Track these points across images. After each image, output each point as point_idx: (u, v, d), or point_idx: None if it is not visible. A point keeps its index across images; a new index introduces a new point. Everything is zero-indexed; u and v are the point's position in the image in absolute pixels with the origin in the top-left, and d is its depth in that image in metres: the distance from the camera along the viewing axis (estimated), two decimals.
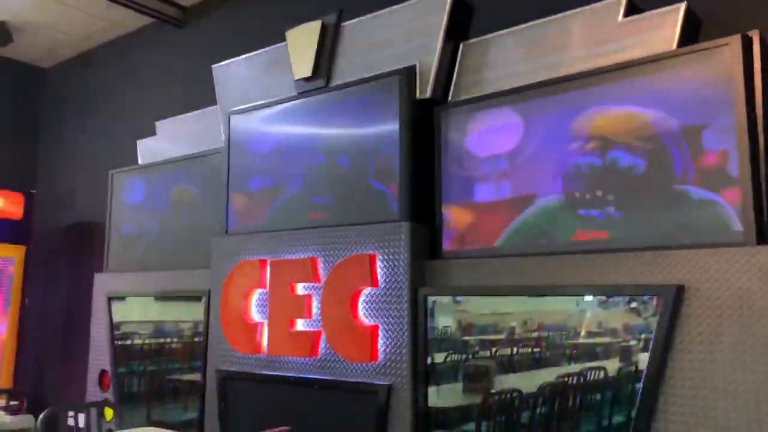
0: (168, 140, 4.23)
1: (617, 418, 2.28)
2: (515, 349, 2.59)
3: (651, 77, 2.37)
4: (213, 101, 3.83)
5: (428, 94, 2.93)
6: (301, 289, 3.12)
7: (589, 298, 2.41)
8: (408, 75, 2.94)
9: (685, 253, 2.19)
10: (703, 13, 2.52)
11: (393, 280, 2.84)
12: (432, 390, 2.74)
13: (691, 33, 2.46)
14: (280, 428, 2.55)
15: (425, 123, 2.94)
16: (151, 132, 4.37)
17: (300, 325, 3.10)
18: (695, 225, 2.23)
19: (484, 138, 2.82)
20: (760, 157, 2.14)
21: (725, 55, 2.20)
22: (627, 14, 2.52)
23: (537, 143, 2.65)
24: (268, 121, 3.47)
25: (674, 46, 2.38)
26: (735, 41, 2.19)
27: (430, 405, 2.73)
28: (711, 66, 2.24)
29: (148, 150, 4.35)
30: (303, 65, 3.31)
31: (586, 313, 2.44)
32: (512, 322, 2.60)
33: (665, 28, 2.41)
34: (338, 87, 3.20)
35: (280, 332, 3.15)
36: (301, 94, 3.34)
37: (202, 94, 4.05)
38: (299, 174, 3.28)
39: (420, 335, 2.77)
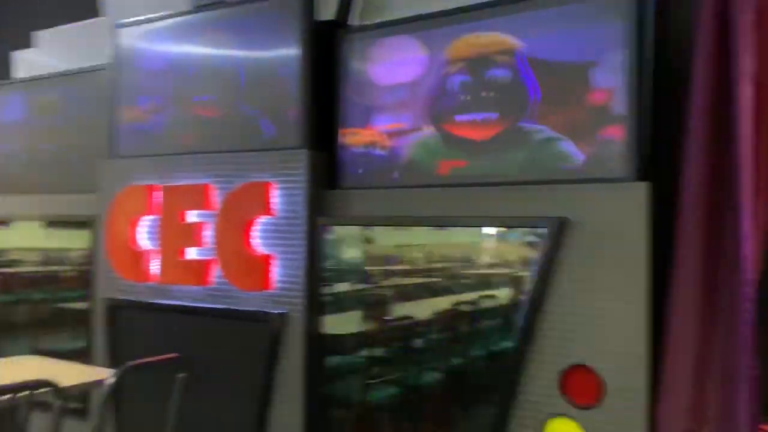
0: (49, 53, 3.89)
1: (504, 343, 2.39)
2: (416, 280, 2.64)
3: (550, 11, 2.39)
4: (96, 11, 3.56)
5: (331, 15, 2.82)
6: (193, 216, 3.02)
7: (489, 230, 2.48)
8: None
9: (569, 187, 2.28)
10: None
11: (291, 209, 2.79)
12: (330, 318, 2.77)
13: None
14: (167, 356, 2.50)
15: (326, 46, 2.84)
16: (28, 43, 3.99)
17: (192, 253, 3.01)
18: (584, 159, 2.31)
19: (386, 66, 2.76)
20: (645, 98, 2.21)
21: None
22: None
23: (437, 74, 2.63)
24: (160, 36, 3.25)
25: None
26: None
27: (325, 333, 2.77)
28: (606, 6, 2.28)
29: (25, 63, 3.98)
30: None
31: (484, 245, 2.52)
32: (415, 253, 2.65)
33: None
34: (236, 3, 3.03)
35: (170, 260, 3.05)
36: (197, 9, 3.13)
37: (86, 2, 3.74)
38: (193, 95, 3.11)
39: (317, 264, 2.77)
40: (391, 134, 2.73)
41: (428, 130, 2.62)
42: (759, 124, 1.90)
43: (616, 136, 2.22)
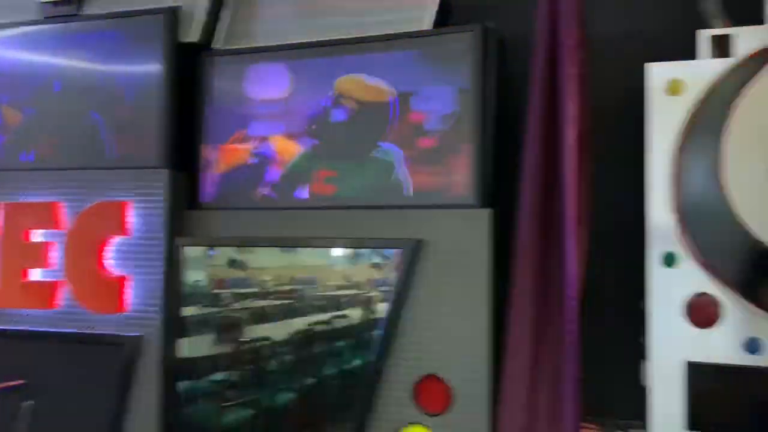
0: None
1: (356, 362, 2.51)
2: (268, 302, 2.68)
3: (406, 52, 2.61)
4: None
5: (196, 38, 2.83)
6: (39, 236, 2.85)
7: (338, 252, 2.59)
8: (173, 15, 2.80)
9: (424, 212, 2.48)
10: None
11: (148, 229, 2.74)
12: (187, 341, 2.73)
13: (443, 18, 2.73)
14: (10, 383, 2.34)
15: (187, 67, 2.85)
16: None
17: (36, 274, 2.84)
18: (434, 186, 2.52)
19: (250, 89, 2.82)
20: (487, 141, 2.48)
21: (466, 39, 2.51)
22: None
23: (300, 97, 2.75)
24: (5, 43, 3.06)
25: (431, 26, 2.63)
26: (477, 29, 2.51)
27: (182, 356, 2.72)
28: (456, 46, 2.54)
29: None
30: None
31: (335, 267, 2.62)
32: (266, 276, 2.69)
33: (424, 9, 2.65)
34: (93, 17, 2.94)
35: (11, 282, 2.85)
36: (48, 19, 3.00)
37: None
38: (36, 107, 2.96)
39: (175, 287, 2.73)
40: (253, 155, 2.78)
41: (298, 152, 2.72)
42: (580, 162, 2.21)
43: (463, 166, 2.46)
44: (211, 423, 2.69)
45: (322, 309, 2.59)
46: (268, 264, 2.70)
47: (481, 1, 2.83)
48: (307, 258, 2.65)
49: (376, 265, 2.51)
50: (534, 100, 2.30)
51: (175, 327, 2.72)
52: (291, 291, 2.64)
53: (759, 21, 2.39)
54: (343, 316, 2.57)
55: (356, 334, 2.54)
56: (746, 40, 2.33)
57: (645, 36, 2.75)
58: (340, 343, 2.59)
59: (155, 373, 2.69)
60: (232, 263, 2.75)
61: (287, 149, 2.73)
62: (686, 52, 2.42)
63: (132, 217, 2.76)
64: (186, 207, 2.82)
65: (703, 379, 2.28)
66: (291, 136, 2.73)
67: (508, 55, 2.74)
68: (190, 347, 2.73)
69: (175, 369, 2.70)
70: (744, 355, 2.25)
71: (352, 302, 2.54)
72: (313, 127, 2.71)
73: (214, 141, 2.84)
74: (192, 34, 2.84)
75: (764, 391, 2.23)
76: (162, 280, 2.72)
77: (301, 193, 2.70)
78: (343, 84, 2.68)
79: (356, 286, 2.54)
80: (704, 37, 2.41)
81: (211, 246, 2.76)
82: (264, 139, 2.77)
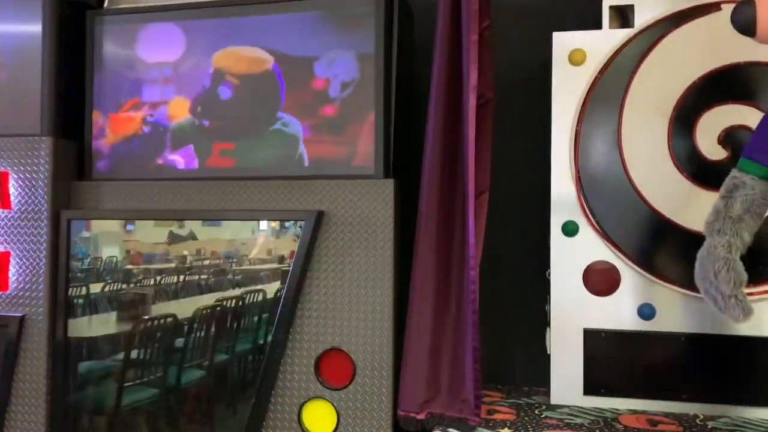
0: None
1: (259, 338, 2.44)
2: (182, 277, 2.57)
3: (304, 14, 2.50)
4: None
5: None
6: None
7: (263, 225, 2.49)
8: None
9: (325, 182, 2.40)
10: None
11: (30, 201, 2.54)
12: (81, 321, 2.57)
13: None
14: None
15: (73, 27, 2.64)
16: None
17: None
18: (336, 156, 2.45)
19: (143, 52, 2.64)
20: (391, 103, 2.42)
21: (368, 3, 2.41)
22: None
23: (194, 62, 2.59)
24: None
25: None
26: None
27: (74, 336, 2.56)
28: (358, 10, 2.44)
29: None
30: None
31: (244, 239, 2.52)
32: (184, 250, 2.56)
33: None
34: None
35: None
36: None
37: None
38: None
39: (62, 263, 2.55)
40: (147, 123, 2.62)
41: (187, 120, 2.57)
42: (481, 131, 2.18)
43: (366, 136, 2.40)
44: (107, 404, 2.55)
45: (231, 283, 2.50)
46: (186, 236, 2.58)
47: None
48: (215, 231, 2.54)
49: (288, 237, 2.43)
50: (437, 67, 2.25)
51: (63, 306, 2.54)
52: (208, 266, 2.53)
53: None
54: (252, 291, 2.48)
55: (259, 311, 2.47)
56: (645, 11, 2.35)
57: (556, 6, 2.74)
58: (246, 320, 2.51)
59: (42, 354, 2.52)
60: (130, 236, 2.60)
61: (180, 116, 2.58)
62: (596, 22, 2.43)
63: (12, 189, 2.54)
64: (75, 178, 2.63)
65: (599, 345, 2.33)
66: (184, 102, 2.58)
67: (415, 22, 2.68)
68: (90, 327, 2.57)
69: (65, 350, 2.53)
70: (638, 320, 2.32)
71: (260, 275, 2.46)
72: (202, 105, 2.57)
73: (105, 107, 2.65)
74: None
75: (656, 354, 2.31)
76: (46, 257, 2.52)
77: (197, 164, 2.57)
78: (220, 59, 2.55)
79: (266, 258, 2.46)
80: (606, 7, 2.42)
81: (103, 219, 2.59)
82: (158, 105, 2.60)
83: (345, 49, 2.42)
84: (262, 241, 2.50)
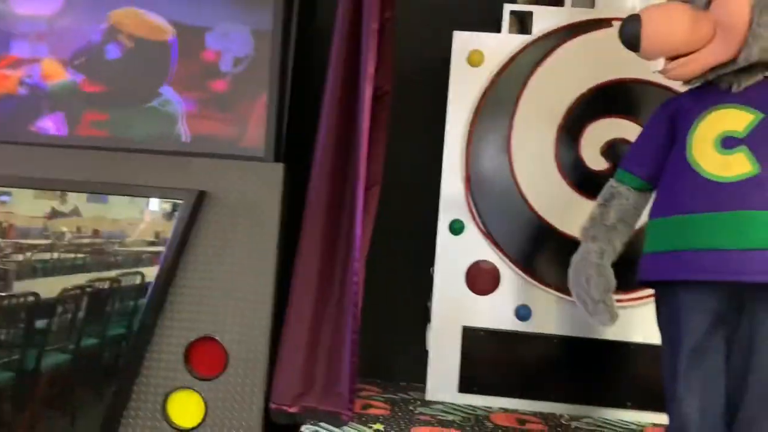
0: None
1: (133, 320, 2.27)
2: (56, 255, 2.36)
3: None
4: None
5: None
6: None
7: (153, 206, 2.32)
8: None
9: (210, 161, 2.28)
10: None
11: None
12: None
13: None
14: None
15: None
16: None
17: None
18: (224, 135, 2.34)
19: (12, 1, 2.41)
20: (286, 85, 2.33)
21: None
22: None
23: (72, 20, 2.39)
24: None
25: None
26: None
27: None
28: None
29: None
30: None
31: (118, 216, 2.35)
32: (63, 227, 2.35)
33: None
34: None
35: None
36: None
37: None
38: None
39: None
40: (16, 81, 2.39)
41: (61, 82, 2.37)
42: (375, 122, 2.15)
43: (257, 116, 2.30)
44: None
45: (102, 264, 2.32)
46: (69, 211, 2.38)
47: None
48: (108, 210, 2.36)
49: (165, 216, 2.28)
50: (335, 53, 2.19)
51: None
52: (88, 245, 2.34)
53: (558, 3, 2.48)
54: (123, 272, 2.32)
55: (135, 295, 2.31)
56: (543, 19, 2.40)
57: (458, 4, 2.75)
58: (120, 304, 2.34)
59: None
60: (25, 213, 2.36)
61: (54, 77, 2.37)
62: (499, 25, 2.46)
63: None
64: None
65: (476, 343, 2.37)
66: (59, 62, 2.37)
67: (318, 3, 2.60)
68: None
69: None
70: (515, 321, 2.37)
71: (132, 256, 2.31)
72: (82, 60, 2.37)
73: None
74: None
75: (529, 354, 2.37)
76: None
77: (66, 131, 2.37)
78: (119, 17, 2.37)
79: (140, 237, 2.31)
80: (506, 12, 2.45)
81: None
82: (29, 62, 2.37)
83: (241, 23, 2.30)
84: (149, 221, 2.34)
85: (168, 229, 2.29)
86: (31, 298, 2.37)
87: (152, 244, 2.33)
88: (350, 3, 2.17)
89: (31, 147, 2.35)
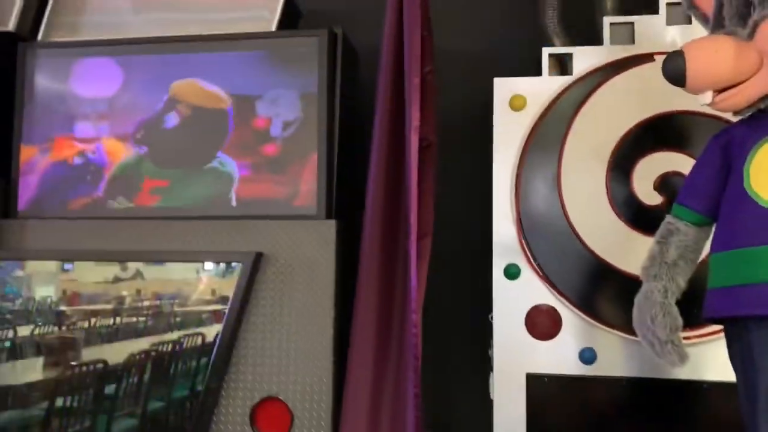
0: None
1: (199, 382, 2.32)
2: (119, 320, 2.45)
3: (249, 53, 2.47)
4: None
5: (10, 26, 2.53)
6: None
7: (209, 266, 2.41)
8: None
9: (266, 223, 2.34)
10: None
11: None
12: (4, 367, 2.43)
13: (290, 21, 2.63)
14: None
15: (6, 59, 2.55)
16: None
17: None
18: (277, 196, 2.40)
19: (75, 85, 2.57)
20: (334, 143, 2.39)
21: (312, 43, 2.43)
22: None
23: (132, 97, 2.53)
24: None
25: (274, 28, 2.52)
26: (323, 33, 2.43)
27: None
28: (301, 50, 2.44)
29: None
30: None
31: (180, 281, 2.43)
32: (123, 291, 2.45)
33: (270, 10, 2.53)
34: None
35: None
36: None
37: None
38: None
39: None
40: (77, 159, 2.53)
41: (127, 156, 2.49)
42: (423, 173, 2.18)
43: (308, 175, 2.36)
44: None
45: (167, 327, 2.40)
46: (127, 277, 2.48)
47: (332, 7, 2.77)
48: (151, 272, 2.44)
49: (225, 279, 2.35)
50: (380, 109, 2.24)
51: None
52: (148, 307, 2.42)
53: (596, 42, 2.49)
54: (188, 335, 2.37)
55: (201, 354, 2.36)
56: (583, 59, 2.41)
57: (497, 51, 2.80)
58: (187, 364, 2.39)
59: None
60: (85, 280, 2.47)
61: (115, 154, 2.50)
62: (539, 68, 2.48)
63: None
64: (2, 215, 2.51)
65: (541, 390, 2.31)
66: (119, 139, 2.50)
67: (360, 63, 2.68)
68: (14, 373, 2.41)
69: None
70: (580, 365, 2.31)
71: (196, 319, 2.37)
72: (143, 133, 2.50)
73: (34, 142, 2.54)
74: (8, 22, 2.53)
75: (598, 398, 2.30)
76: None
77: (128, 203, 2.48)
78: (180, 88, 2.50)
79: (202, 301, 2.37)
80: (545, 54, 2.47)
81: (22, 259, 2.46)
82: (90, 141, 2.52)
83: (289, 89, 2.39)
84: (206, 281, 2.42)
85: (224, 288, 2.35)
86: (100, 365, 2.45)
87: (209, 303, 2.39)
88: (391, 60, 2.24)
89: (96, 220, 2.47)
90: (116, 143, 2.51)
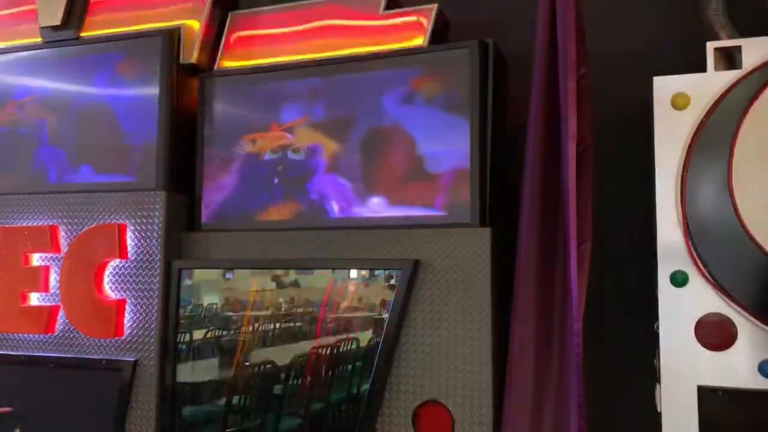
0: None
1: (362, 385, 2.43)
2: (278, 324, 2.64)
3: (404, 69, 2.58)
4: None
5: (193, 59, 2.82)
6: (37, 259, 2.83)
7: (353, 274, 2.54)
8: (171, 37, 2.80)
9: (422, 231, 2.42)
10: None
11: (145, 252, 2.71)
12: (186, 366, 2.68)
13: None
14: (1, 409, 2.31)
15: (187, 89, 2.84)
16: None
17: (34, 299, 2.81)
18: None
19: (249, 109, 2.81)
20: (487, 152, 2.42)
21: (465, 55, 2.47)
22: (388, 7, 2.69)
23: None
24: (7, 68, 3.08)
25: (426, 43, 2.59)
26: (473, 45, 2.46)
27: (179, 381, 2.66)
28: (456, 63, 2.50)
29: None
30: (51, 12, 2.98)
31: (348, 289, 2.57)
32: (279, 298, 2.64)
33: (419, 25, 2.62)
34: (92, 41, 2.95)
35: (9, 307, 2.82)
36: (48, 44, 3.01)
37: None
38: (43, 132, 2.96)
39: (171, 310, 2.69)
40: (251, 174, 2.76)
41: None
42: (581, 178, 2.14)
43: (463, 186, 2.41)
44: None
45: (330, 331, 2.53)
46: (268, 285, 2.67)
47: (480, 17, 2.80)
48: (319, 280, 2.60)
49: (391, 287, 2.45)
50: (533, 115, 2.24)
51: (170, 352, 2.66)
52: (303, 313, 2.58)
53: (765, 32, 2.32)
54: (350, 339, 2.50)
55: (356, 359, 2.48)
56: (753, 52, 2.26)
57: (654, 49, 2.69)
58: (344, 368, 2.52)
59: (152, 398, 2.63)
60: (232, 285, 2.71)
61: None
62: (698, 64, 2.36)
63: (129, 240, 2.73)
64: (185, 229, 2.79)
65: (715, 405, 2.17)
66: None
67: (509, 69, 2.69)
68: (194, 372, 2.68)
69: (173, 394, 2.64)
70: (758, 378, 2.15)
71: (358, 324, 2.49)
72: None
73: (214, 163, 2.82)
74: (191, 55, 2.83)
75: None
76: (158, 305, 2.67)
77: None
78: None
79: (363, 307, 2.49)
80: (710, 49, 2.34)
81: (210, 268, 2.72)
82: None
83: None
84: (353, 289, 2.54)
85: (371, 295, 2.45)
86: (269, 366, 2.63)
87: (358, 309, 2.49)
88: (545, 65, 2.23)
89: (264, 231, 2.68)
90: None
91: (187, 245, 2.76)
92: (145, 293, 2.69)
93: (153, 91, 2.79)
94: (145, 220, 2.72)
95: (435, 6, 2.60)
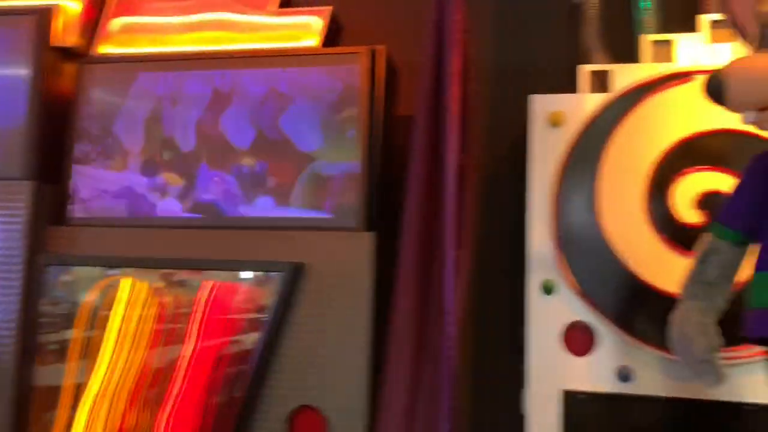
0: None
1: (237, 389, 2.37)
2: (152, 325, 2.50)
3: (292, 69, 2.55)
4: None
5: (69, 42, 2.66)
6: None
7: (248, 275, 2.47)
8: (44, 17, 2.62)
9: (306, 234, 2.40)
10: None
11: (6, 246, 2.51)
12: (52, 368, 2.51)
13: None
14: None
15: (60, 73, 2.67)
16: None
17: None
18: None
19: (124, 98, 2.68)
20: (374, 157, 2.44)
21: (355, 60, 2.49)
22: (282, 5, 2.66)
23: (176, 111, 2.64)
24: None
25: (319, 44, 2.59)
26: (365, 51, 2.49)
27: (44, 385, 2.49)
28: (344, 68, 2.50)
29: None
30: None
31: (237, 289, 2.48)
32: (163, 297, 2.51)
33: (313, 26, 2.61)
34: None
35: None
36: None
37: None
38: None
39: (34, 308, 2.50)
40: (131, 167, 2.63)
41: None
42: (462, 188, 2.20)
43: (351, 190, 2.42)
44: None
45: (209, 334, 2.44)
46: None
47: (372, 25, 2.82)
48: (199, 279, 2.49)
49: (265, 288, 2.40)
50: (418, 124, 2.28)
51: (30, 353, 2.48)
52: (183, 314, 2.47)
53: (634, 59, 2.49)
54: (229, 342, 2.43)
55: (237, 361, 2.41)
56: (622, 76, 2.42)
57: (533, 69, 2.81)
58: (226, 370, 2.45)
59: (8, 402, 2.44)
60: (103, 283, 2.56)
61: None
62: (571, 85, 2.49)
63: None
64: (53, 222, 2.61)
65: (578, 408, 2.30)
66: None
67: (398, 74, 2.72)
68: (56, 375, 2.50)
69: (35, 398, 2.46)
70: (617, 383, 2.29)
71: (243, 327, 2.42)
72: None
73: (88, 154, 2.66)
74: (66, 37, 2.66)
75: (635, 418, 2.28)
76: (19, 303, 2.48)
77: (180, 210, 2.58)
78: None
79: (252, 310, 2.42)
80: (584, 72, 2.49)
81: (75, 265, 2.56)
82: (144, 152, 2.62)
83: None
84: (244, 289, 2.46)
85: (264, 296, 2.40)
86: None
87: (248, 311, 2.42)
88: (430, 77, 2.27)
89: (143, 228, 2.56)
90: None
91: (55, 240, 2.58)
92: (6, 290, 2.49)
93: (21, 72, 2.59)
94: (8, 212, 2.51)
95: (330, 8, 2.60)
